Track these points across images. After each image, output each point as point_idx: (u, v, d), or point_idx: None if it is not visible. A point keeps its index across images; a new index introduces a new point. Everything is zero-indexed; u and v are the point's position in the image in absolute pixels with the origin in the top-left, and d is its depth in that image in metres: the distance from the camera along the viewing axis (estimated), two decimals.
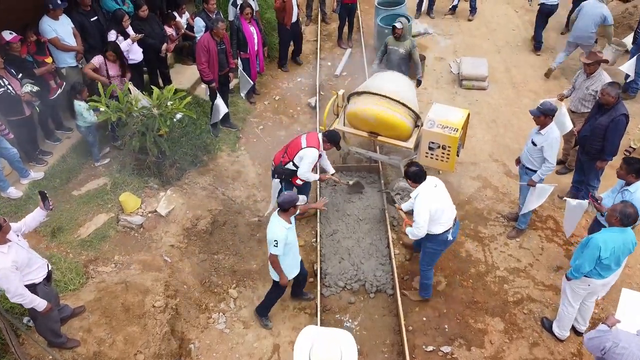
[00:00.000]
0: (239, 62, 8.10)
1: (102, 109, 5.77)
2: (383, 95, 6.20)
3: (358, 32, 10.52)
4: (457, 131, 5.94)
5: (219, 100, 7.31)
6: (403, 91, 6.32)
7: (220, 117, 7.41)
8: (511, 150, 7.50)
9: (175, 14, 8.89)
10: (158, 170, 6.51)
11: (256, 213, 6.63)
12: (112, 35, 6.84)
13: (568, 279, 4.73)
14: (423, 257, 5.37)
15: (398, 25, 7.13)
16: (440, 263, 5.92)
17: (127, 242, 5.97)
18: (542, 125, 5.54)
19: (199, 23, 7.73)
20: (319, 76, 9.17)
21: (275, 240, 4.58)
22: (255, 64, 8.25)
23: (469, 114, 6.27)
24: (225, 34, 7.15)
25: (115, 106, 5.83)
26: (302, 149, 5.71)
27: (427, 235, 5.02)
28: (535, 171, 5.70)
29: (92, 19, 6.98)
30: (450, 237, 5.11)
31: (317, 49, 9.99)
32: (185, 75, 8.62)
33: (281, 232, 4.60)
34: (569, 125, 6.17)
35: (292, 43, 9.41)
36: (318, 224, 6.35)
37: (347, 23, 9.80)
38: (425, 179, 4.89)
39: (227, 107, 7.78)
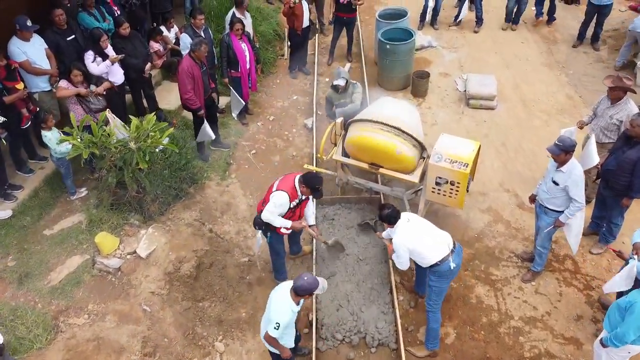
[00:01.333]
0: (229, 80, 7.59)
1: (74, 143, 5.21)
2: (385, 124, 5.64)
3: (358, 45, 9.96)
4: (467, 166, 5.38)
5: (207, 126, 6.75)
6: (407, 119, 5.75)
7: (206, 140, 6.86)
8: (523, 178, 6.93)
9: (163, 28, 8.35)
10: (139, 205, 5.96)
11: (247, 252, 6.07)
12: (89, 57, 6.28)
13: (604, 345, 4.17)
14: (429, 296, 4.84)
15: (341, 83, 6.60)
16: (448, 310, 5.37)
17: (103, 288, 5.43)
18: (562, 162, 4.99)
19: (186, 40, 7.16)
20: (316, 94, 8.61)
21: (277, 323, 3.98)
22: (247, 82, 7.70)
23: (479, 147, 5.70)
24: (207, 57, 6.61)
25: (88, 140, 5.28)
26: (272, 192, 4.99)
27: (429, 267, 4.66)
28: (557, 211, 5.14)
29: (68, 38, 6.44)
30: (452, 265, 4.60)
31: (314, 63, 9.42)
32: (173, 94, 8.03)
33: (287, 316, 4.01)
34: (596, 159, 5.61)
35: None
36: (314, 265, 5.78)
37: (346, 37, 9.24)
38: (399, 218, 4.68)
39: (217, 130, 7.24)
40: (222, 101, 8.12)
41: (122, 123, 5.94)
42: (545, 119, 8.00)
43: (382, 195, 6.47)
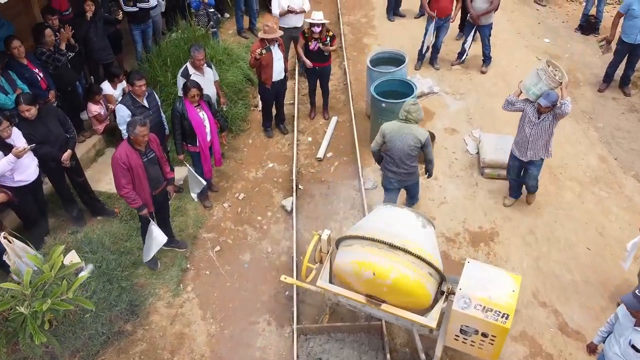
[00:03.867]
0: (185, 157, 5.99)
1: None
2: (389, 244, 4.07)
3: (345, 91, 8.38)
4: (507, 318, 3.82)
5: (155, 229, 5.13)
6: (418, 238, 4.19)
7: (155, 251, 5.23)
8: (562, 284, 5.42)
9: (106, 85, 6.70)
10: None
11: None
12: None
13: None
14: None
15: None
16: None
17: None
18: None
19: (122, 112, 5.50)
20: (296, 160, 7.02)
21: None
22: (208, 157, 6.09)
23: (521, 282, 4.15)
24: (152, 137, 4.97)
25: None
26: None
27: None
28: None
29: None
30: None
31: (294, 116, 7.82)
32: None
33: None
34: None
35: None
36: None
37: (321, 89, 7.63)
38: None
39: (171, 231, 5.62)
40: (179, 173, 6.49)
41: (29, 246, 4.31)
42: (578, 191, 6.50)
43: (384, 324, 4.91)
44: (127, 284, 4.89)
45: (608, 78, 8.10)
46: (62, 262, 3.95)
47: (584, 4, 9.72)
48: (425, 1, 8.25)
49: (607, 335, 3.94)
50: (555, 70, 5.51)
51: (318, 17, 6.93)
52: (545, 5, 10.62)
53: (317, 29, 6.94)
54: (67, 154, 5.20)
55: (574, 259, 5.68)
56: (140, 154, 4.80)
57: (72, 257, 4.23)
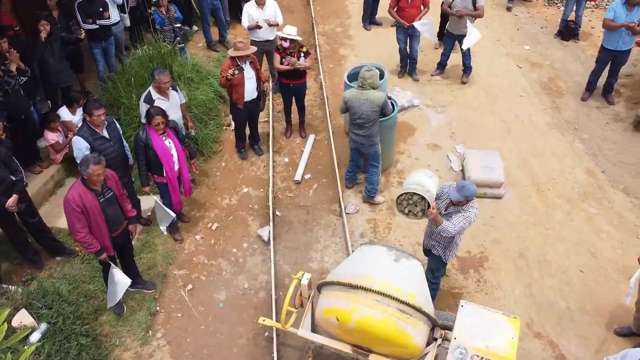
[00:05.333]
0: (151, 189, 5.53)
1: None
2: (376, 291, 3.71)
3: (323, 107, 8.01)
4: None
5: (117, 272, 4.68)
6: (407, 281, 3.84)
7: (120, 296, 4.77)
8: (557, 311, 5.15)
9: (64, 111, 6.22)
10: None
11: None
12: None
13: None
14: None
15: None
16: None
17: None
18: None
19: (79, 145, 4.99)
20: (273, 184, 6.62)
21: None
22: (177, 188, 5.66)
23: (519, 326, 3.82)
24: (109, 174, 4.51)
25: None
26: None
27: None
28: None
29: None
30: None
31: (269, 135, 7.41)
32: None
33: None
34: None
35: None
36: None
37: (297, 107, 7.26)
38: None
39: (135, 273, 5.16)
40: (147, 203, 6.05)
41: None
42: (567, 209, 6.25)
43: None
44: (87, 341, 4.41)
45: (591, 86, 7.90)
46: (10, 326, 3.49)
47: (562, 9, 9.54)
48: (394, 11, 7.96)
49: None
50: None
51: (288, 31, 6.56)
52: (510, 11, 10.38)
53: (285, 44, 6.56)
54: (12, 199, 4.68)
55: (567, 284, 5.41)
56: (96, 194, 4.34)
57: (22, 318, 3.79)
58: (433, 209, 4.29)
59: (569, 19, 9.32)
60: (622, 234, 5.90)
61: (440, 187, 4.63)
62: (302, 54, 6.67)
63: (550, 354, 4.83)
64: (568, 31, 9.35)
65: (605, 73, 7.71)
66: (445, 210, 4.51)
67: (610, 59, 7.46)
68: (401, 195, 4.52)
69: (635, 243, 5.67)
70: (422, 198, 4.41)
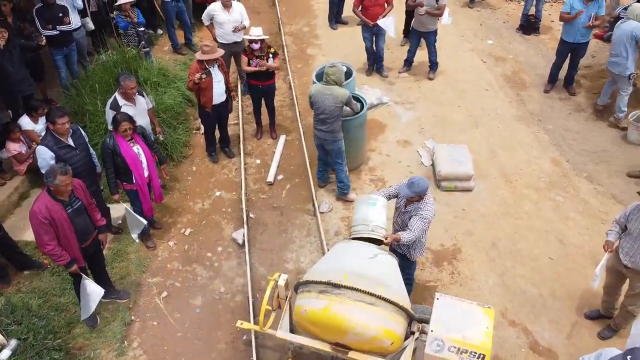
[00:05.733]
0: (120, 196, 5.42)
1: None
2: (352, 288, 3.73)
3: (293, 107, 8.00)
4: (483, 359, 3.57)
5: (89, 283, 4.57)
6: (383, 277, 3.88)
7: (94, 307, 4.67)
8: (529, 300, 5.27)
9: (25, 120, 6.04)
10: None
11: None
12: None
13: None
14: None
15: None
16: None
17: None
18: None
19: (44, 155, 4.85)
20: (245, 186, 6.57)
21: None
22: (147, 194, 5.56)
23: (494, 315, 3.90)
24: (77, 183, 4.41)
25: None
26: None
27: None
28: None
29: None
30: None
31: (239, 137, 7.36)
32: None
33: None
34: None
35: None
36: None
37: (266, 108, 7.24)
38: None
39: (107, 284, 5.05)
40: (118, 212, 5.93)
41: None
42: (535, 198, 6.41)
43: None
44: (60, 355, 4.30)
45: (552, 78, 8.12)
46: None
47: (523, 3, 9.77)
48: (358, 10, 8.02)
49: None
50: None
51: (256, 33, 6.53)
52: (472, 7, 10.60)
53: (256, 46, 6.54)
54: None
55: (538, 271, 5.54)
56: (64, 205, 4.24)
57: None
58: (386, 238, 4.29)
59: (529, 13, 9.56)
60: (587, 220, 6.09)
61: (397, 186, 4.68)
62: (271, 55, 6.65)
63: (525, 340, 4.95)
64: (529, 25, 9.59)
65: (566, 65, 7.95)
66: (405, 208, 4.57)
67: (570, 51, 7.69)
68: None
69: (600, 228, 5.85)
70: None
